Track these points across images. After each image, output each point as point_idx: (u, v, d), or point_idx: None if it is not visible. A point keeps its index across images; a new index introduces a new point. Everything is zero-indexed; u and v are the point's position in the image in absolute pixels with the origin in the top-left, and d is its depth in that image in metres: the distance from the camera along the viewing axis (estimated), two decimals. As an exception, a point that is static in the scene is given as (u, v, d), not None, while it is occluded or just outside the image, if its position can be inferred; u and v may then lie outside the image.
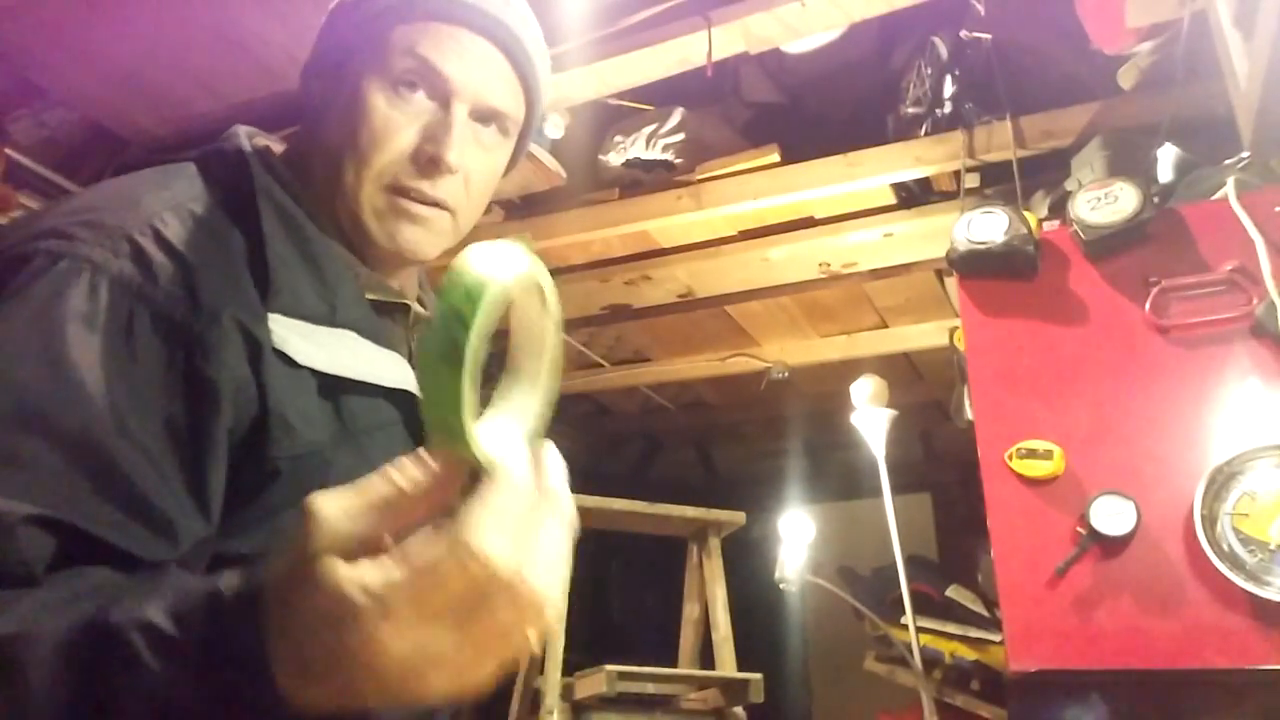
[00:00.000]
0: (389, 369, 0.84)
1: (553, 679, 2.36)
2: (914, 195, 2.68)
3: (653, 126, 2.67)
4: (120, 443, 0.65)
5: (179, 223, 0.74)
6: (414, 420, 0.85)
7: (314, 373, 0.77)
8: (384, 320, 0.89)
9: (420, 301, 0.97)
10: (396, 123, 0.85)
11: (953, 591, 3.07)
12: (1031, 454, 1.58)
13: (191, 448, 0.69)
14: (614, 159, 2.72)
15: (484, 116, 0.89)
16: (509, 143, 0.94)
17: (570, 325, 3.52)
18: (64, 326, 0.65)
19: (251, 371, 0.72)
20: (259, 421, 0.72)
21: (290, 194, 0.84)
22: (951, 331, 2.16)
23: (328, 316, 0.79)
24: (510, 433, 0.53)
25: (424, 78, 0.85)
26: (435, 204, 0.87)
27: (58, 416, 0.63)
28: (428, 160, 0.85)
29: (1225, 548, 1.41)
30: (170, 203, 0.75)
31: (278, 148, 0.92)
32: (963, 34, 2.28)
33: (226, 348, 0.71)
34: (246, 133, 0.88)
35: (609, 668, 2.27)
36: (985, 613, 2.97)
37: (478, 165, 0.90)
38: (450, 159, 0.85)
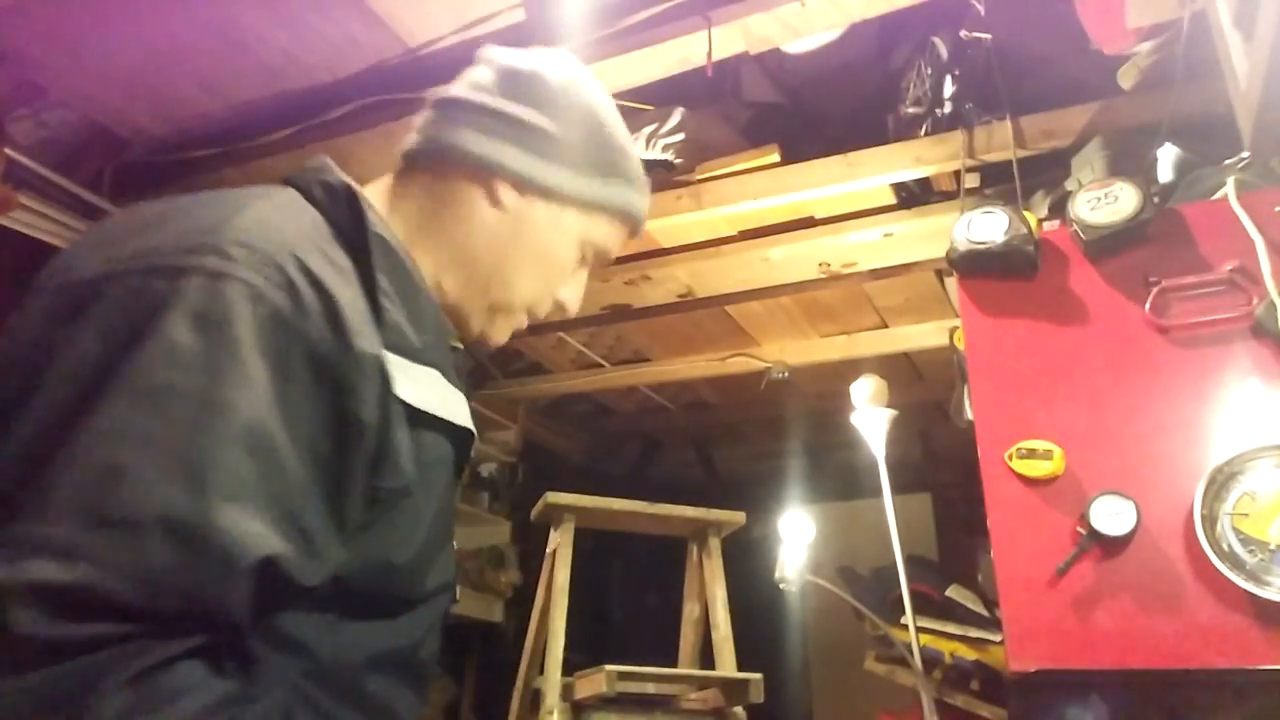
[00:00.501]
0: (460, 408, 0.88)
1: (553, 679, 2.35)
2: (914, 195, 2.68)
3: (653, 126, 2.66)
4: (296, 468, 0.69)
5: (318, 256, 0.76)
6: (462, 456, 0.90)
7: (407, 406, 0.79)
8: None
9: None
10: (565, 280, 0.98)
11: (953, 591, 3.06)
12: (1031, 454, 1.58)
13: (335, 479, 0.72)
14: (614, 159, 2.72)
15: None
16: None
17: (570, 325, 3.52)
18: (243, 351, 0.67)
19: (379, 407, 0.75)
20: (377, 454, 0.75)
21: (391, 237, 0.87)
22: (951, 331, 2.16)
23: (419, 354, 0.82)
24: None
25: (595, 261, 0.99)
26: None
27: (256, 437, 0.66)
28: (559, 306, 0.99)
29: (1225, 548, 1.41)
30: (306, 235, 0.77)
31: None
32: (963, 34, 2.28)
33: (366, 386, 0.74)
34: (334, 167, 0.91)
35: (609, 668, 2.26)
36: (985, 613, 2.97)
37: None
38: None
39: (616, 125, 0.98)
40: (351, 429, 0.72)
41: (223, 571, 0.62)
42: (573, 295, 0.99)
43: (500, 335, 0.97)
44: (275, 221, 0.76)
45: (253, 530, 0.63)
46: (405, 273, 0.84)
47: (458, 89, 0.94)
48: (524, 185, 0.91)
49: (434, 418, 0.82)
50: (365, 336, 0.74)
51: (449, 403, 0.85)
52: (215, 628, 0.63)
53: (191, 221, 0.75)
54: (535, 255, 0.93)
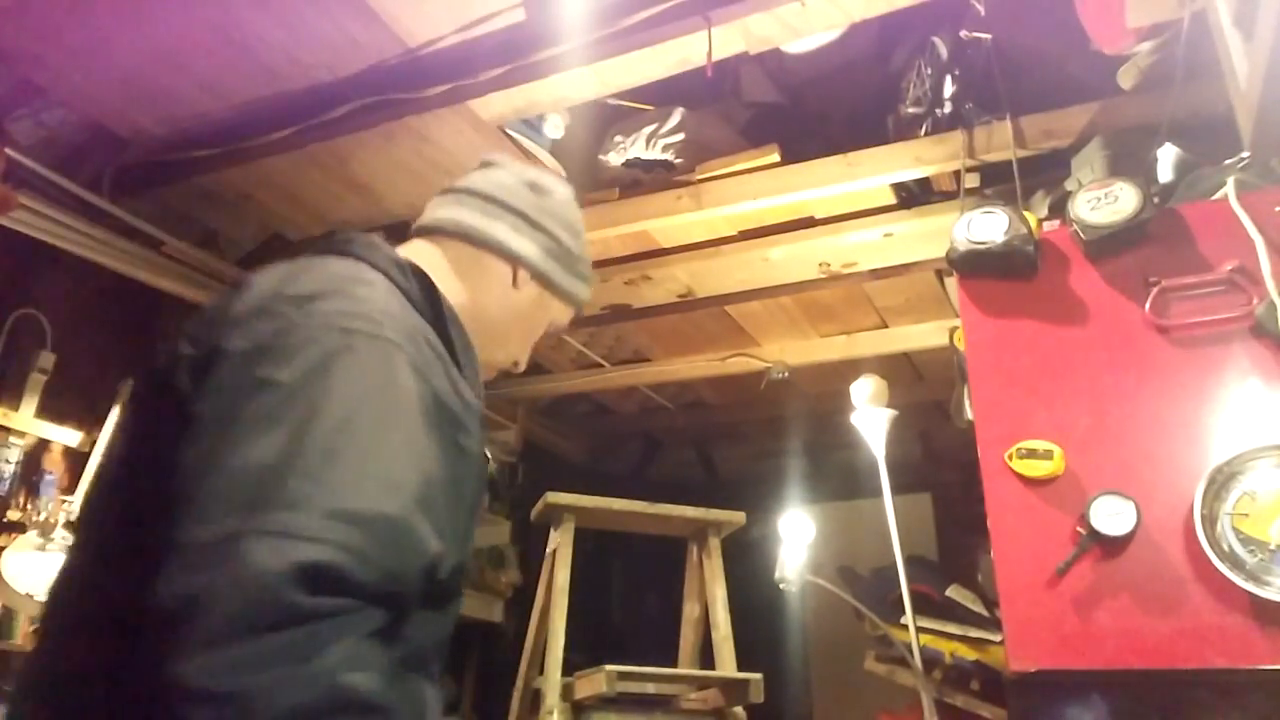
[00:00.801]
0: (484, 444, 1.07)
1: (553, 679, 2.35)
2: (914, 195, 2.68)
3: (653, 126, 2.67)
4: (440, 486, 0.89)
5: (422, 330, 0.98)
6: (480, 481, 1.09)
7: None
8: None
9: None
10: (533, 343, 1.26)
11: (953, 591, 3.06)
12: (1031, 454, 1.58)
13: (456, 496, 0.93)
14: (614, 159, 2.72)
15: None
16: None
17: (570, 325, 3.52)
18: (407, 394, 0.88)
19: (480, 441, 0.99)
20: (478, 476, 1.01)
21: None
22: (951, 331, 2.16)
23: (467, 399, 1.00)
24: None
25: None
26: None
27: (420, 459, 0.87)
28: (513, 365, 1.25)
29: (1225, 548, 1.41)
30: (411, 319, 0.97)
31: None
32: (963, 34, 2.28)
33: (473, 424, 0.98)
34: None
35: (608, 668, 2.26)
36: (985, 613, 2.97)
37: None
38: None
39: (584, 236, 1.28)
40: (467, 456, 0.96)
41: (417, 561, 0.81)
42: (526, 358, 1.27)
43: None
44: (389, 307, 0.96)
45: (428, 531, 0.82)
46: (466, 338, 1.06)
47: (489, 187, 1.21)
48: (537, 276, 1.20)
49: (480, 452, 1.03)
50: (464, 389, 0.99)
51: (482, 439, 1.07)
52: (399, 608, 0.80)
53: (335, 302, 0.92)
54: (526, 327, 1.23)
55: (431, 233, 1.21)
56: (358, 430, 0.81)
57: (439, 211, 1.22)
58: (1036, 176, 2.32)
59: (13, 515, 2.65)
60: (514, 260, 1.18)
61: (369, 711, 0.73)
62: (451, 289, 1.11)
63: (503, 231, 1.18)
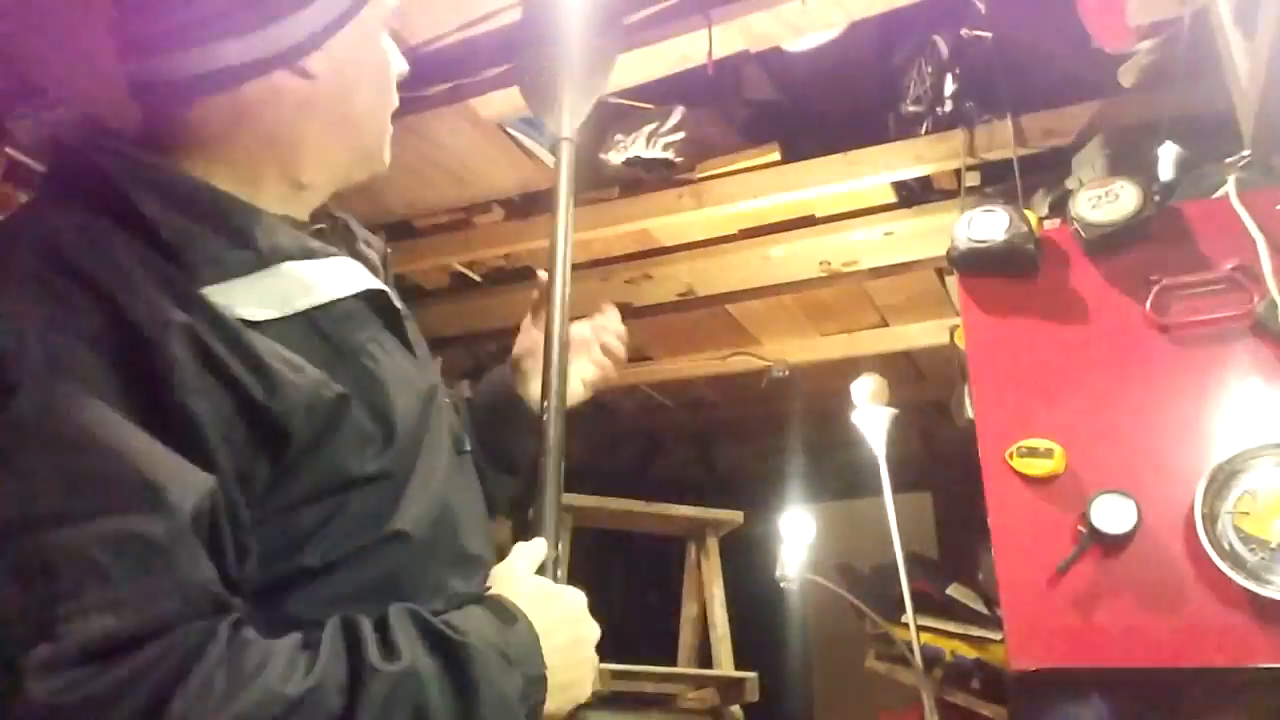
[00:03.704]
0: (344, 279, 0.85)
1: (553, 678, 2.36)
2: (915, 194, 2.68)
3: (653, 125, 2.66)
4: None
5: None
6: (392, 319, 0.89)
7: (276, 321, 0.77)
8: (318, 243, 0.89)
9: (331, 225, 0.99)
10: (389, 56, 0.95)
11: (953, 590, 3.07)
12: (1032, 452, 1.57)
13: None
14: (614, 157, 2.72)
15: None
16: None
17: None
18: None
19: (232, 363, 0.72)
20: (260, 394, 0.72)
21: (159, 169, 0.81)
22: (952, 330, 2.17)
23: (255, 262, 0.79)
24: None
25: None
26: None
27: None
28: (401, 80, 0.97)
29: (1226, 546, 1.41)
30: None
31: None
32: (964, 32, 2.27)
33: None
34: (85, 135, 0.84)
35: (602, 666, 2.26)
36: (986, 611, 2.97)
37: None
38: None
39: None
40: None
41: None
42: (399, 58, 0.97)
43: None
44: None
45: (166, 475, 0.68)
46: (186, 198, 0.79)
47: None
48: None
49: (319, 308, 0.80)
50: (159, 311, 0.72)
51: (328, 281, 0.83)
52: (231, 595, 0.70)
53: None
54: (371, 51, 0.94)
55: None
56: None
57: None
58: (1037, 175, 2.32)
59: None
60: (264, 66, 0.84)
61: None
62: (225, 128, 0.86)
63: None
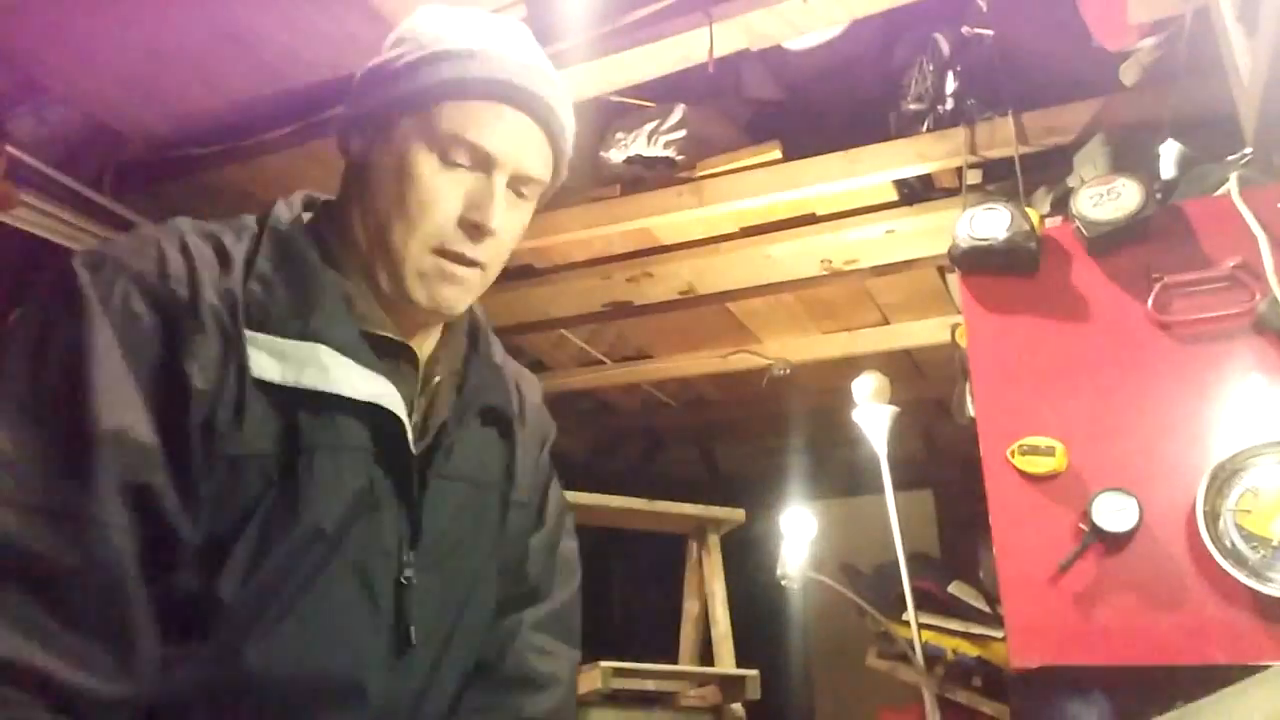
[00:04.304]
0: (360, 384, 0.88)
1: (554, 676, 2.35)
2: (916, 192, 2.68)
3: (654, 123, 2.66)
4: None
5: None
6: (392, 445, 0.90)
7: (273, 386, 0.84)
8: (386, 362, 0.93)
9: (466, 372, 1.04)
10: (443, 191, 0.92)
11: (955, 588, 3.07)
12: (1033, 450, 1.57)
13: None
14: (615, 156, 2.72)
15: (519, 183, 0.97)
16: (535, 202, 1.04)
17: (572, 323, 3.52)
18: None
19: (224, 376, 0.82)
20: (221, 420, 0.81)
21: (312, 233, 0.95)
22: (953, 328, 2.16)
23: (299, 330, 0.86)
24: None
25: (470, 154, 0.93)
26: (474, 264, 0.96)
27: None
28: (472, 226, 0.93)
29: (1228, 544, 1.41)
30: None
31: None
32: (965, 30, 2.27)
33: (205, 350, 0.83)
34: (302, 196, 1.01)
35: (604, 664, 2.26)
36: (987, 609, 2.97)
37: (510, 225, 0.98)
38: (493, 225, 0.93)
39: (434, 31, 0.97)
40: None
41: None
42: (478, 205, 0.94)
43: (446, 291, 0.96)
44: None
45: None
46: (295, 258, 0.91)
47: None
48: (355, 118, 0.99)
49: (315, 395, 0.85)
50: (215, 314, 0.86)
51: (343, 378, 0.87)
52: None
53: None
54: (404, 173, 0.94)
55: None
56: None
57: None
58: (1039, 173, 2.32)
59: None
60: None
61: None
62: (346, 204, 1.01)
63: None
